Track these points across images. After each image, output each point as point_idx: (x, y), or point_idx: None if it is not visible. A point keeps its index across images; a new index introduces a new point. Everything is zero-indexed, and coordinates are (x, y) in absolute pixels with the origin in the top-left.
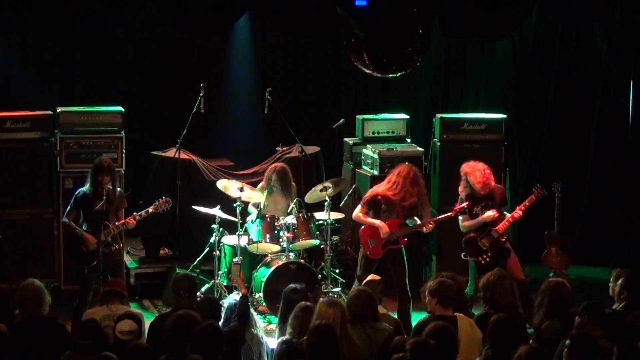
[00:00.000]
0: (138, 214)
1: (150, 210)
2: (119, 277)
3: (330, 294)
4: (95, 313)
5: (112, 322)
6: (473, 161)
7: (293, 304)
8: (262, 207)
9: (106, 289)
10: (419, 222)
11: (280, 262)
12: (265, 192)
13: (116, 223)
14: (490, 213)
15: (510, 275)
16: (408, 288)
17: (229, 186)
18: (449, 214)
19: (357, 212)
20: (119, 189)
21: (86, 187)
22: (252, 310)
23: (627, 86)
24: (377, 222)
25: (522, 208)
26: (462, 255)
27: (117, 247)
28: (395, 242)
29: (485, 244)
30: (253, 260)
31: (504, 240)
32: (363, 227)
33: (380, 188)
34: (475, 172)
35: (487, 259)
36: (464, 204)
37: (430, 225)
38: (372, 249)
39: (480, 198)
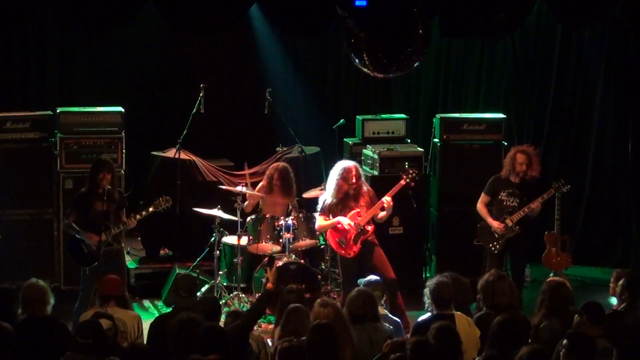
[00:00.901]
0: (138, 213)
1: (151, 209)
2: (119, 276)
3: (330, 294)
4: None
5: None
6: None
7: (287, 305)
8: (260, 206)
9: (102, 293)
10: (371, 202)
11: (280, 263)
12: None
13: (118, 224)
14: (495, 224)
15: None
16: (395, 284)
17: (230, 187)
18: (401, 182)
19: (318, 223)
20: (118, 188)
21: (86, 188)
22: None
23: (627, 86)
24: (335, 219)
25: (540, 200)
26: (474, 241)
27: (118, 247)
28: (364, 232)
29: (497, 232)
30: (253, 260)
31: (517, 229)
32: (327, 233)
33: (328, 192)
34: (525, 154)
35: (498, 247)
36: (409, 170)
37: (389, 202)
38: (346, 249)
39: (511, 184)
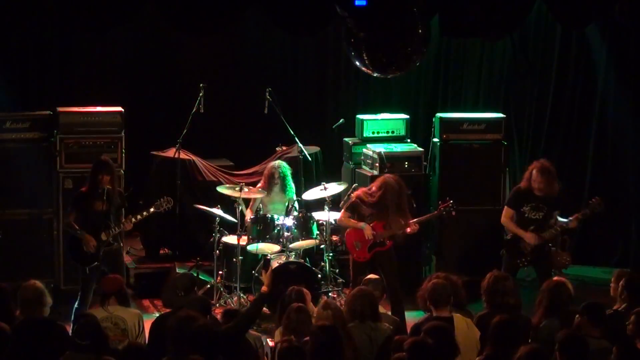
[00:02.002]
0: (139, 213)
1: (151, 210)
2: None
3: (330, 294)
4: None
5: (110, 323)
6: (546, 161)
7: (288, 305)
8: (260, 206)
9: (104, 291)
10: (402, 223)
11: (280, 262)
12: (266, 192)
13: (118, 224)
14: (531, 238)
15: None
16: (399, 292)
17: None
18: (435, 212)
19: (342, 217)
20: (118, 188)
21: (86, 188)
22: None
23: (627, 85)
24: (361, 224)
25: (576, 221)
26: (500, 253)
27: (117, 246)
28: (382, 244)
29: (527, 247)
30: (253, 260)
31: (546, 247)
32: (348, 230)
33: (365, 193)
34: (543, 172)
35: (526, 264)
36: (449, 202)
37: (415, 227)
38: (358, 252)
39: (534, 197)
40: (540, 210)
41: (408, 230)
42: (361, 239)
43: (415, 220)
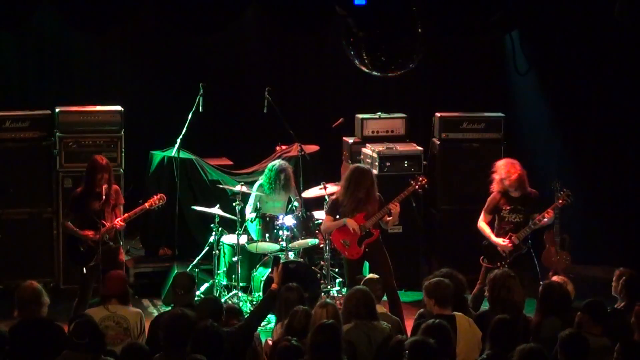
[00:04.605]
0: (132, 211)
1: (147, 205)
2: None
3: (329, 293)
4: (94, 314)
5: (112, 322)
6: (510, 159)
7: (287, 303)
8: (259, 205)
9: (106, 290)
10: (381, 207)
11: (280, 262)
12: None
13: (112, 223)
14: (501, 242)
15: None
16: (396, 291)
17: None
18: (410, 187)
19: (324, 223)
20: (114, 186)
21: (83, 187)
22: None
23: (626, 85)
24: (342, 220)
25: (547, 215)
26: (480, 260)
27: (116, 246)
28: (369, 235)
29: (504, 250)
30: (252, 259)
31: (524, 247)
32: (333, 233)
33: (339, 194)
34: (508, 167)
35: (506, 266)
36: (420, 178)
37: (396, 208)
38: (350, 250)
39: (512, 199)
40: (519, 213)
41: (391, 212)
42: (347, 236)
43: (394, 200)
